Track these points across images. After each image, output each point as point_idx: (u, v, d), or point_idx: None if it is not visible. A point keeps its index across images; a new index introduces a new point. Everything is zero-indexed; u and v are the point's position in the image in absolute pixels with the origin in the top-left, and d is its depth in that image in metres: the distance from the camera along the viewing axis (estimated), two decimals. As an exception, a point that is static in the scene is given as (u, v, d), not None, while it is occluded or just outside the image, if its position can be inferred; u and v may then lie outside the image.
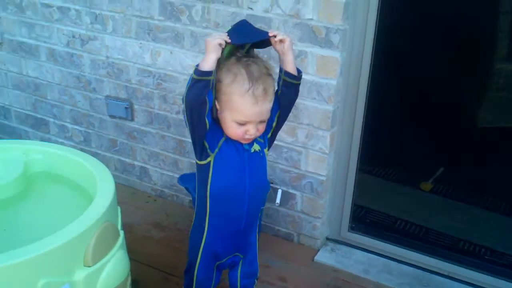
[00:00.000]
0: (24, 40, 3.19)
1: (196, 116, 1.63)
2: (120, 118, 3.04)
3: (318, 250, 2.70)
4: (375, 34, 2.34)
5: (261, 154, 1.80)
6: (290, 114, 2.48)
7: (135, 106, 2.97)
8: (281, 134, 1.88)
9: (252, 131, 1.66)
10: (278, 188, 2.65)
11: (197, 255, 1.90)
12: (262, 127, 1.70)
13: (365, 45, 2.36)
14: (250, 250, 1.96)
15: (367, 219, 2.95)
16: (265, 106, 1.65)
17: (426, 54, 3.60)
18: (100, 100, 3.08)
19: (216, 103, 1.69)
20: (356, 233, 2.72)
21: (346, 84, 2.46)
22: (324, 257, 2.64)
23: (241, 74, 1.62)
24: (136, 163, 3.13)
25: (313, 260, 2.64)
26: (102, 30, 2.90)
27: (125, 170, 3.20)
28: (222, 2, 2.52)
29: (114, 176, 3.18)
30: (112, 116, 3.07)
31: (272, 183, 2.66)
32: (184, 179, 2.55)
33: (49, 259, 1.62)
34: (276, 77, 1.73)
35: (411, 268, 2.57)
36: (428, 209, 3.14)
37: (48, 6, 3.02)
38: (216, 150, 1.71)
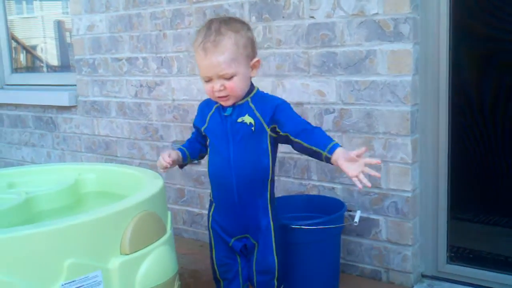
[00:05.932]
0: (96, 99, 3.24)
1: None
2: (187, 162, 2.89)
3: (412, 287, 2.25)
4: (450, 22, 2.12)
5: (253, 128, 1.69)
6: (363, 124, 2.27)
7: (201, 147, 2.82)
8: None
9: (216, 86, 1.64)
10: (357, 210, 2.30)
11: (211, 232, 1.83)
12: (230, 84, 1.64)
13: (439, 35, 2.13)
14: (262, 236, 1.76)
15: (470, 254, 2.45)
16: (214, 59, 1.60)
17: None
18: (167, 147, 2.97)
19: None
20: (458, 265, 2.25)
21: (424, 82, 2.19)
22: (420, 293, 2.19)
23: (201, 30, 1.66)
24: (204, 211, 2.91)
25: (406, 298, 2.19)
26: (168, 73, 2.87)
27: (193, 222, 2.98)
28: (283, 17, 2.42)
29: (182, 230, 3.03)
30: (178, 163, 2.92)
31: (350, 210, 2.32)
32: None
33: (78, 236, 1.43)
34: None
35: (535, 299, 2.05)
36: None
37: (117, 60, 3.08)
38: (205, 125, 1.78)
